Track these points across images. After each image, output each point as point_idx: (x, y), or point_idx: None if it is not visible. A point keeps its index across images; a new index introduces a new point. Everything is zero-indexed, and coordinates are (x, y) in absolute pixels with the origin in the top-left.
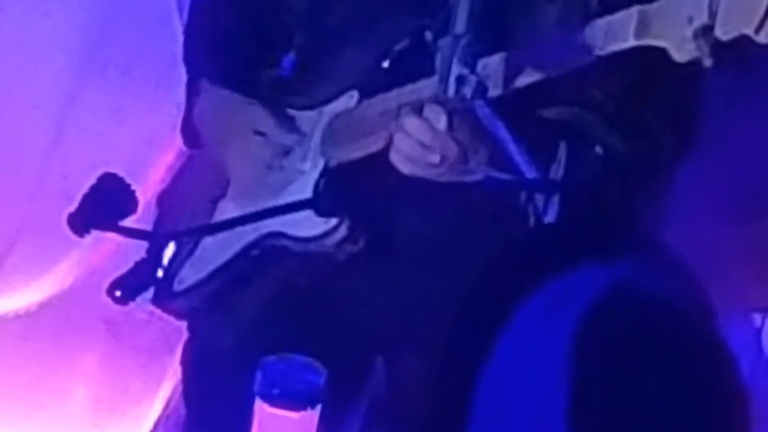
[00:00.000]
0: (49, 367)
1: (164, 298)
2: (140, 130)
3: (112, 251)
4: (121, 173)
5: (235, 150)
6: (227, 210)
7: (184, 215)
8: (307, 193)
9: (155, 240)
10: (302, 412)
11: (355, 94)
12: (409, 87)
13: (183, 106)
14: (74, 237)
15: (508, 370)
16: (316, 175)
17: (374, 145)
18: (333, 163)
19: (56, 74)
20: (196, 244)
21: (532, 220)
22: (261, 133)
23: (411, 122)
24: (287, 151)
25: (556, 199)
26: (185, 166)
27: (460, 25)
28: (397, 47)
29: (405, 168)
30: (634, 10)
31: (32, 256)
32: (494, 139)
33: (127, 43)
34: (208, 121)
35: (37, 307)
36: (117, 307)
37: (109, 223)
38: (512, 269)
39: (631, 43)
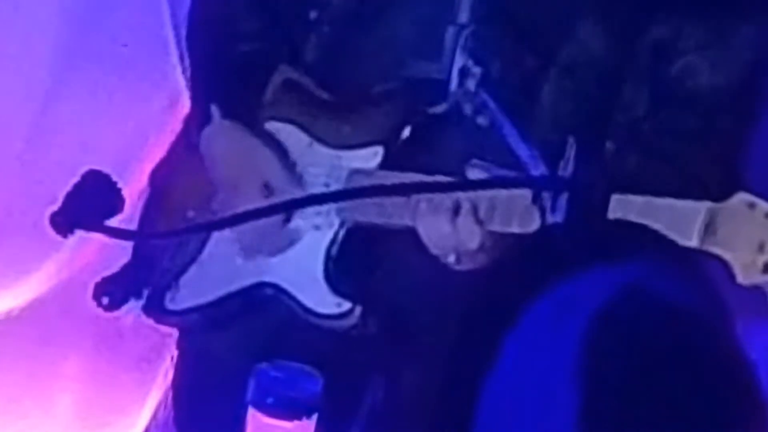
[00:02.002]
0: (32, 374)
1: (155, 311)
2: (127, 125)
3: (98, 252)
4: (106, 170)
5: (243, 202)
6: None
7: (177, 209)
8: (319, 253)
9: (143, 240)
10: (297, 422)
11: (379, 152)
12: (444, 180)
13: (175, 101)
14: (58, 237)
15: (515, 376)
16: (330, 234)
17: (393, 222)
18: (349, 224)
19: (37, 65)
20: (189, 263)
21: (539, 220)
22: (269, 188)
23: (440, 227)
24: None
25: (564, 198)
26: (176, 162)
27: (463, 14)
28: (431, 110)
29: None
30: (703, 207)
31: (13, 258)
32: (499, 135)
33: (112, 33)
34: (214, 158)
35: (19, 311)
36: (102, 312)
37: (95, 223)
38: (519, 271)
39: (694, 244)
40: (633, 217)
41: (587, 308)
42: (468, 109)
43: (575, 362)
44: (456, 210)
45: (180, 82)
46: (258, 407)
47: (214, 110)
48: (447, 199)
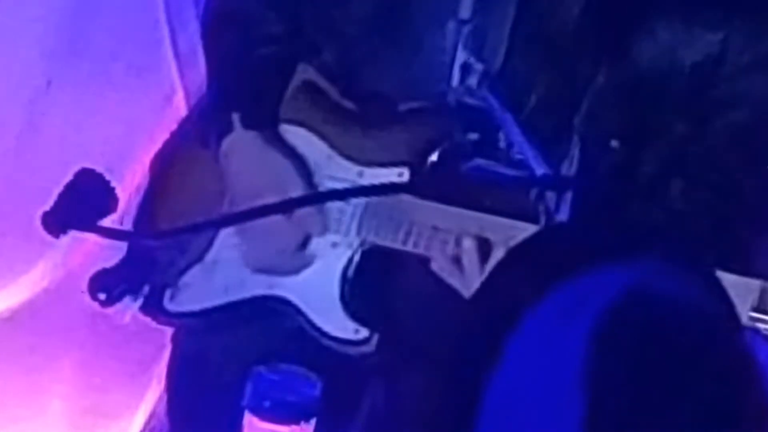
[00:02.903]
0: (23, 377)
1: (153, 310)
2: (120, 123)
3: (91, 253)
4: (100, 169)
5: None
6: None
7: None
8: (335, 273)
9: (137, 240)
10: (295, 426)
11: (405, 174)
12: (476, 216)
13: (169, 98)
14: (49, 238)
15: (518, 380)
16: (347, 254)
17: (417, 250)
18: (367, 246)
19: (28, 63)
20: (192, 263)
21: (542, 219)
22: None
23: (471, 263)
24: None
25: (568, 197)
26: (175, 159)
27: (465, 9)
28: (462, 137)
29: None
30: (758, 284)
31: (5, 259)
32: (503, 132)
33: (105, 29)
34: (234, 173)
35: (10, 313)
36: (95, 315)
37: (87, 223)
38: (521, 272)
39: (744, 321)
40: None
41: (592, 310)
42: (502, 140)
43: (580, 365)
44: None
45: (175, 78)
46: (255, 411)
47: (236, 119)
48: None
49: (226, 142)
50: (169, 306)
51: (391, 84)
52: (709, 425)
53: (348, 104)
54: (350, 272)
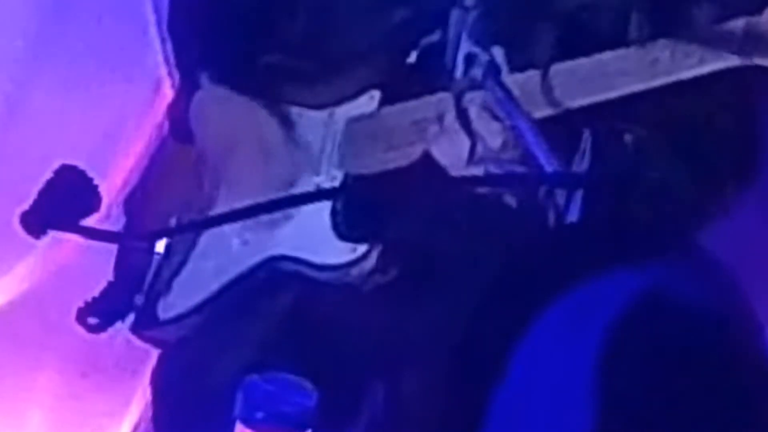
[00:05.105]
0: (1, 385)
1: (147, 325)
2: (104, 117)
3: (73, 255)
4: (81, 166)
5: (239, 164)
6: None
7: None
8: (324, 210)
9: (122, 242)
10: None
11: (376, 95)
12: (445, 95)
13: (155, 90)
14: (29, 239)
15: (526, 387)
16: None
17: (403, 159)
18: (353, 176)
19: (6, 53)
20: (181, 264)
21: (552, 219)
22: (266, 150)
23: (459, 142)
24: (298, 168)
25: (579, 195)
26: (159, 159)
27: None
28: (427, 40)
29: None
30: (741, 21)
31: None
32: (509, 127)
33: (87, 19)
34: (206, 125)
35: None
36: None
37: (69, 223)
38: (530, 275)
39: (735, 62)
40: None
41: (603, 315)
42: (465, 37)
43: (591, 374)
44: (466, 116)
45: (161, 68)
46: (246, 422)
47: (203, 78)
48: (452, 109)
49: (196, 99)
50: (163, 315)
51: (353, 33)
52: None
53: (310, 67)
54: (339, 204)
